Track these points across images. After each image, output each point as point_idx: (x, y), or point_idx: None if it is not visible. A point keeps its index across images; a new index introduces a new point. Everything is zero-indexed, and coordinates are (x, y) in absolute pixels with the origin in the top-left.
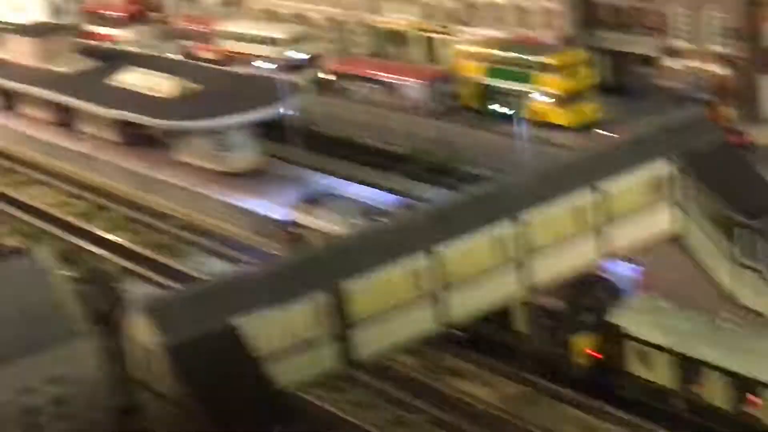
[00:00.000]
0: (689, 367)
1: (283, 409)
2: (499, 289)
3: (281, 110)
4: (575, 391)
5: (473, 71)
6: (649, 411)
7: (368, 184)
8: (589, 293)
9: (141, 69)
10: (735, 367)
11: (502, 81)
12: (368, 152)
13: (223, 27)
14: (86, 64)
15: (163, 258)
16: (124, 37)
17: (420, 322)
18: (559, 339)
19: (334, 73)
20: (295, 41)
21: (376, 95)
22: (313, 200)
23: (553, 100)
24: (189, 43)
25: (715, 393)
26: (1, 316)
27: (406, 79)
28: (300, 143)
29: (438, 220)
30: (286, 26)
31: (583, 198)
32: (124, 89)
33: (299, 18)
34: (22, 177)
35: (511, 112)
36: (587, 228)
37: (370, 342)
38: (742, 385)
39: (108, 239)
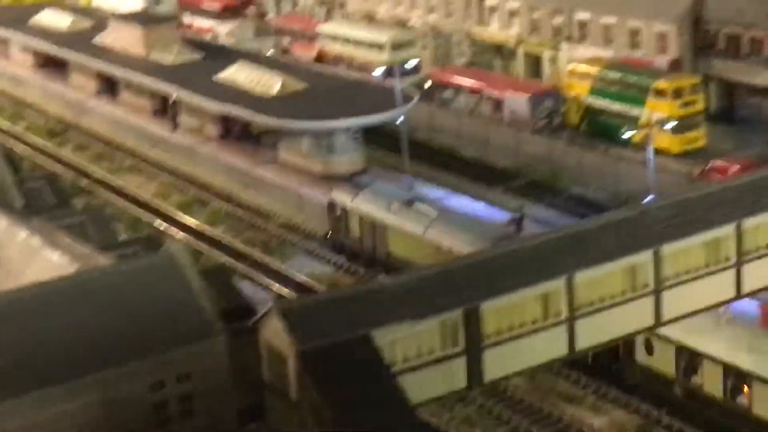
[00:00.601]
0: (692, 359)
1: (413, 423)
2: (632, 321)
3: (395, 117)
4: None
5: (579, 90)
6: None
7: (470, 196)
8: None
9: (245, 65)
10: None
11: (609, 102)
12: (469, 164)
13: (325, 27)
14: (189, 56)
15: (261, 256)
16: (221, 30)
17: (550, 347)
18: None
19: (437, 81)
20: (398, 47)
21: (478, 107)
22: (360, 186)
23: (662, 124)
24: (287, 41)
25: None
26: (138, 311)
27: (510, 93)
28: (400, 150)
29: (574, 245)
30: (389, 31)
31: (723, 233)
32: (228, 84)
33: (399, 23)
34: (120, 164)
35: (616, 133)
36: (726, 265)
37: (500, 364)
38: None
39: (206, 233)
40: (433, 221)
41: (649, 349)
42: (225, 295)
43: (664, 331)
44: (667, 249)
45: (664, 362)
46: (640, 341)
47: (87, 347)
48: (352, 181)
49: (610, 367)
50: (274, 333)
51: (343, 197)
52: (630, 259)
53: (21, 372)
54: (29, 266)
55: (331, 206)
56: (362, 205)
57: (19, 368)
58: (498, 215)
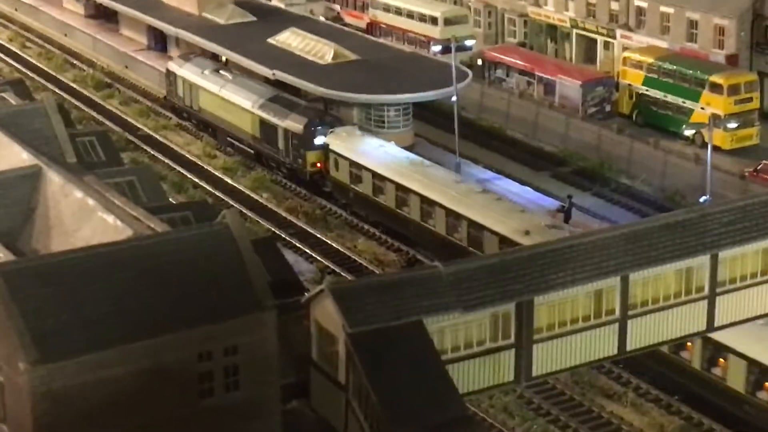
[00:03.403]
0: (357, 170)
1: (460, 411)
2: (685, 324)
3: (449, 95)
4: None
5: (633, 78)
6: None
7: (515, 180)
8: (319, 125)
9: (298, 30)
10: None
11: (663, 93)
12: (516, 146)
13: None
14: (242, 17)
15: (304, 226)
16: None
17: (600, 346)
18: (300, 153)
19: (488, 60)
20: (452, 22)
21: (529, 89)
22: (186, 58)
23: (723, 124)
24: (337, 7)
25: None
26: (190, 280)
27: (564, 77)
28: (449, 127)
29: (631, 244)
30: (443, 5)
31: None
32: (280, 49)
33: None
34: (166, 121)
35: (668, 124)
36: None
37: (549, 360)
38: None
39: (252, 198)
40: (227, 83)
41: (336, 166)
42: (274, 268)
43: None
44: (725, 254)
45: (343, 174)
46: (332, 160)
47: (139, 313)
48: (182, 56)
49: (318, 181)
50: (325, 313)
51: (174, 67)
52: (687, 262)
53: (72, 334)
54: (83, 227)
55: (167, 74)
56: (185, 72)
57: (71, 330)
58: (546, 202)
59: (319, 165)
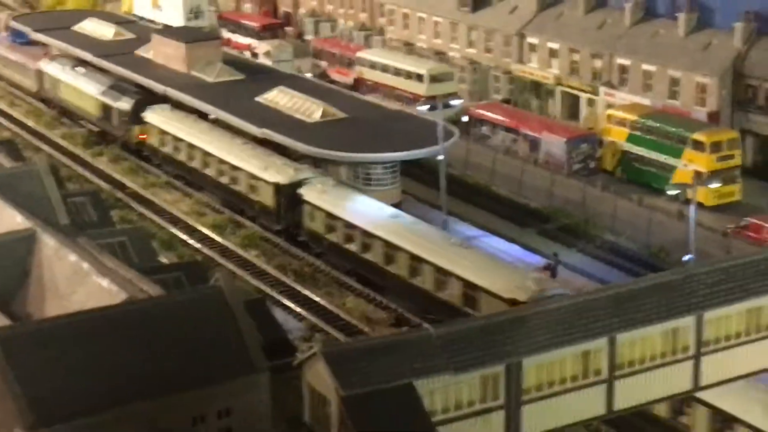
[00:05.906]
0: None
1: None
2: (672, 384)
3: (436, 153)
4: None
5: (617, 135)
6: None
7: (500, 236)
8: (142, 105)
9: (286, 89)
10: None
11: (646, 150)
12: (502, 203)
13: (364, 54)
14: (230, 75)
15: (293, 284)
16: (260, 48)
17: (588, 406)
18: (128, 127)
19: (474, 116)
20: (437, 79)
21: (514, 146)
22: (52, 59)
23: (706, 182)
24: (324, 64)
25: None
26: (184, 343)
27: (548, 134)
28: (435, 184)
29: (618, 305)
30: (429, 62)
31: (764, 302)
32: (269, 107)
33: (438, 55)
34: (155, 179)
35: (652, 181)
36: (766, 334)
37: (538, 420)
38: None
39: (242, 257)
40: (79, 75)
41: (149, 134)
42: (265, 328)
43: (158, 124)
44: (710, 314)
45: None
46: (148, 131)
47: (135, 377)
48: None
49: (141, 149)
50: (318, 376)
51: (43, 66)
52: (672, 323)
53: (68, 398)
54: (77, 291)
55: (37, 72)
56: (50, 69)
57: (66, 394)
58: (532, 259)
59: (143, 137)
